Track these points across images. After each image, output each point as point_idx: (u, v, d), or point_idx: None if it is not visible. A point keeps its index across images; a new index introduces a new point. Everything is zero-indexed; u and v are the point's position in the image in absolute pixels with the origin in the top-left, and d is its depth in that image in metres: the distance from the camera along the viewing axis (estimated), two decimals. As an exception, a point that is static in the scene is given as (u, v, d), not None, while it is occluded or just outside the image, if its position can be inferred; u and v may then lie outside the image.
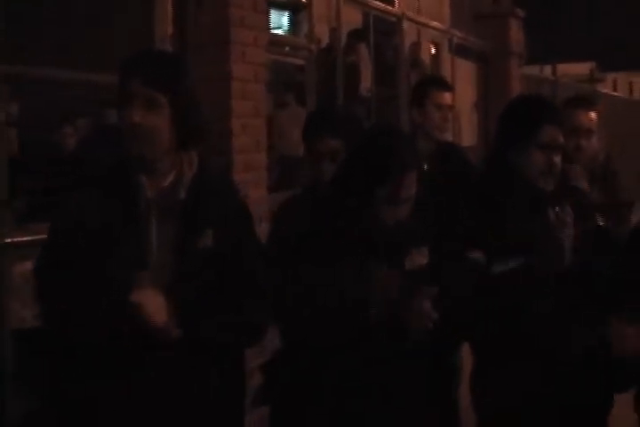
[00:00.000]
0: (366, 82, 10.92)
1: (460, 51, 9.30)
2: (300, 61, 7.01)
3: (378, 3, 7.35)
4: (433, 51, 15.51)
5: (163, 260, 2.58)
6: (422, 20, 8.52)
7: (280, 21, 15.56)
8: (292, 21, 15.47)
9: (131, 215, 2.60)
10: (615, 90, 21.58)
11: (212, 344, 2.63)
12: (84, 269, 2.55)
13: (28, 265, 3.59)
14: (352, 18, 9.32)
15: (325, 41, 10.42)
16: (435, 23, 9.25)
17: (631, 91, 23.99)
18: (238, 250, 2.68)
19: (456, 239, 3.24)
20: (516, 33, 9.85)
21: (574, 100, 4.70)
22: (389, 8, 8.68)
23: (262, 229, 4.40)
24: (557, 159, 3.26)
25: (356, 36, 11.08)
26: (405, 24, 7.54)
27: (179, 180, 2.67)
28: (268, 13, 5.92)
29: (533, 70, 12.69)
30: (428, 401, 3.08)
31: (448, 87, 4.85)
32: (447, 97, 4.73)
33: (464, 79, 10.65)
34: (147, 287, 2.47)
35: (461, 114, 10.33)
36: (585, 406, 3.22)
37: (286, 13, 15.79)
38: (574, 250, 3.20)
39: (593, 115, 4.55)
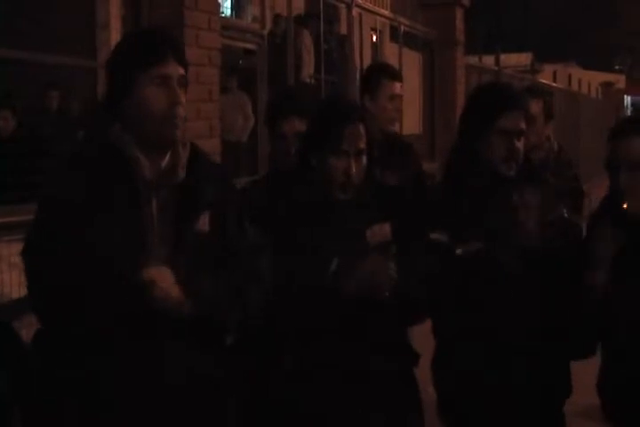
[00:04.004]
0: (309, 68, 10.88)
1: (406, 39, 9.29)
2: (249, 46, 6.92)
3: (328, -12, 7.31)
4: (374, 38, 15.51)
5: (163, 242, 2.51)
6: (371, 7, 8.47)
7: (223, 5, 15.43)
8: (235, 5, 15.33)
9: (131, 197, 2.52)
10: (555, 81, 21.81)
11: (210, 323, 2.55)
12: (83, 252, 2.44)
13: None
14: (295, 4, 9.25)
15: (269, 26, 10.33)
16: (385, 11, 9.22)
17: (570, 82, 24.29)
18: (232, 236, 2.64)
19: (420, 221, 3.28)
20: (460, 22, 9.87)
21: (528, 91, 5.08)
22: (339, -5, 8.62)
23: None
24: (519, 145, 3.27)
25: (300, 22, 11.02)
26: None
27: (176, 160, 2.61)
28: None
29: (472, 61, 12.72)
30: (400, 387, 3.13)
31: (399, 77, 4.82)
32: (398, 87, 4.70)
33: (409, 67, 10.64)
34: (155, 265, 2.42)
35: (406, 102, 10.29)
36: (542, 388, 3.27)
37: (229, -3, 15.66)
38: (538, 235, 3.22)
39: (539, 103, 4.88)
